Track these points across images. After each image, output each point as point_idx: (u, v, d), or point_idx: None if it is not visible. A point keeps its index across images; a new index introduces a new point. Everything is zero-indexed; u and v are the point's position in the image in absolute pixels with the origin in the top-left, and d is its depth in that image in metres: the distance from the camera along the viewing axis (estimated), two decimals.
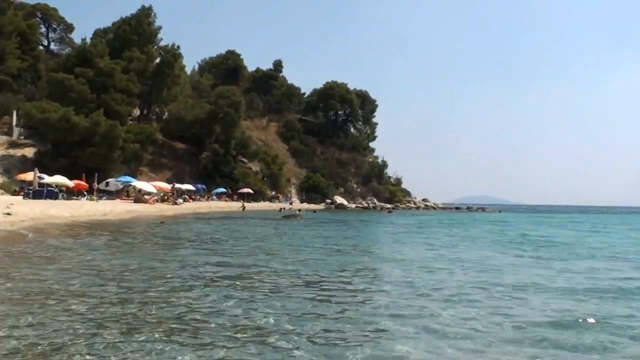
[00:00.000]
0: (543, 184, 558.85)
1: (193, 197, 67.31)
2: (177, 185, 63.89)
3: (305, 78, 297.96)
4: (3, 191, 47.56)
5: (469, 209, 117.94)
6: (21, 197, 41.63)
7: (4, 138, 59.24)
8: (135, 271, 13.53)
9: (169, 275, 13.12)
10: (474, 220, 60.34)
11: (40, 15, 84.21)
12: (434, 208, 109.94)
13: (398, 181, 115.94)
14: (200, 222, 38.96)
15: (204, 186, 71.99)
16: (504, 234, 35.62)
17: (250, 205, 67.85)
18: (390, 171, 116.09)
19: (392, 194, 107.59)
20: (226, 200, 72.41)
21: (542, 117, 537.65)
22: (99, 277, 12.41)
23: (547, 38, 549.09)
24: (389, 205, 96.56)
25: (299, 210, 56.77)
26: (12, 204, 30.00)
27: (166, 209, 50.46)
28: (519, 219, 67.47)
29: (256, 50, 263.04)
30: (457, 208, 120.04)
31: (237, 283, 12.32)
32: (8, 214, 26.45)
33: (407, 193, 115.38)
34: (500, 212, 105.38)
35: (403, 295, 11.34)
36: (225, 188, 73.97)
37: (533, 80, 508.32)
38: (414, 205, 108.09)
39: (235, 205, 67.60)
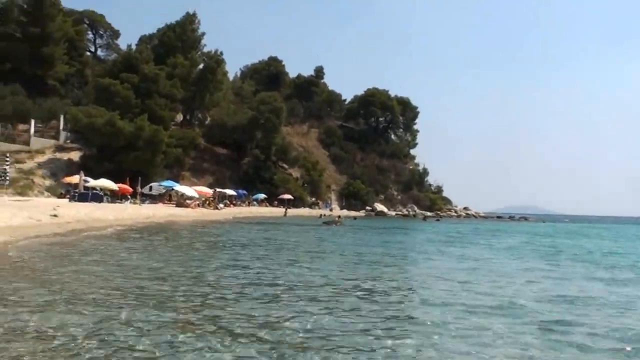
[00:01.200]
0: (586, 194, 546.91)
1: (234, 202, 67.80)
2: (219, 190, 64.42)
3: (346, 84, 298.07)
4: (49, 194, 48.65)
5: (511, 218, 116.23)
6: (67, 200, 42.50)
7: (52, 142, 60.57)
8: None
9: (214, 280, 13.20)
10: (519, 230, 59.12)
11: (87, 22, 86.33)
12: (475, 217, 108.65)
13: (439, 189, 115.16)
14: (241, 226, 39.24)
15: (244, 191, 72.42)
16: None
17: (291, 211, 67.98)
18: (431, 179, 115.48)
19: (433, 202, 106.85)
20: (266, 206, 72.71)
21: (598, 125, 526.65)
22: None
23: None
24: (429, 214, 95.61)
25: (339, 216, 56.58)
26: (58, 206, 30.61)
27: (207, 214, 50.92)
28: (569, 230, 65.68)
29: (298, 56, 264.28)
30: (498, 217, 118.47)
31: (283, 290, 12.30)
32: (54, 215, 26.98)
33: (447, 201, 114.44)
34: (544, 222, 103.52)
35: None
36: (265, 194, 74.26)
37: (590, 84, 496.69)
38: (455, 214, 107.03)
39: (275, 211, 67.84)
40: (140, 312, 9.04)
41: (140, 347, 7.17)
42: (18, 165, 51.30)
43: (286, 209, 68.17)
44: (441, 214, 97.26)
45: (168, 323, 8.44)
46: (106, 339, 7.48)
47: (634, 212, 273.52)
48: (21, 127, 59.16)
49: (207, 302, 10.40)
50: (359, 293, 12.26)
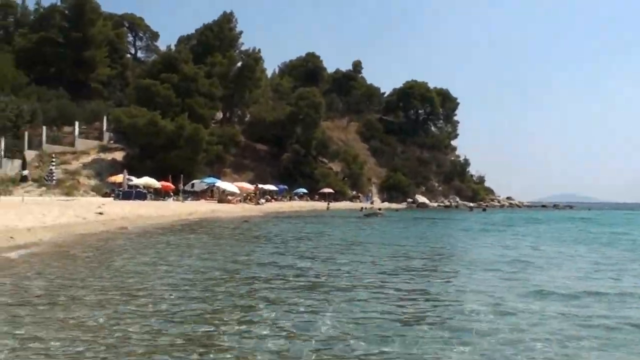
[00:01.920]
0: (631, 181, 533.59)
1: (275, 197, 68.20)
2: (260, 186, 64.87)
3: (385, 78, 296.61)
4: (95, 193, 49.69)
5: (555, 206, 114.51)
6: (111, 199, 43.36)
7: (95, 143, 61.77)
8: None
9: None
10: (573, 218, 58.12)
11: (127, 25, 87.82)
12: (518, 206, 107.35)
13: (481, 179, 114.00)
14: (288, 221, 39.47)
15: (285, 186, 72.69)
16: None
17: (332, 205, 68.10)
18: (473, 169, 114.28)
19: (475, 192, 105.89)
20: (307, 200, 72.90)
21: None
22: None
23: None
24: (471, 204, 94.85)
25: (379, 209, 56.60)
26: (103, 204, 31.31)
27: (249, 209, 51.31)
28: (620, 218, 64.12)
29: (336, 51, 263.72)
30: (543, 206, 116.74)
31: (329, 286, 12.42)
32: (100, 213, 27.57)
33: (490, 191, 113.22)
34: (589, 209, 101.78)
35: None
36: (306, 188, 74.42)
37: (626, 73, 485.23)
38: (498, 204, 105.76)
39: (317, 205, 68.15)
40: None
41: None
42: (64, 166, 52.51)
43: (328, 203, 68.34)
44: (484, 204, 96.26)
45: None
46: None
47: None
48: (66, 129, 60.48)
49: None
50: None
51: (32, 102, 56.17)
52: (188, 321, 7.85)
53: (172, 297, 9.50)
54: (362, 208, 61.79)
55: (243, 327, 7.64)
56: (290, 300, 9.48)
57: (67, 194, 45.03)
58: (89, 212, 27.36)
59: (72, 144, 58.70)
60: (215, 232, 26.79)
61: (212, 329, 7.47)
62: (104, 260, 14.54)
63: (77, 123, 59.44)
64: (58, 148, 55.47)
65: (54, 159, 47.68)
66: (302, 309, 8.74)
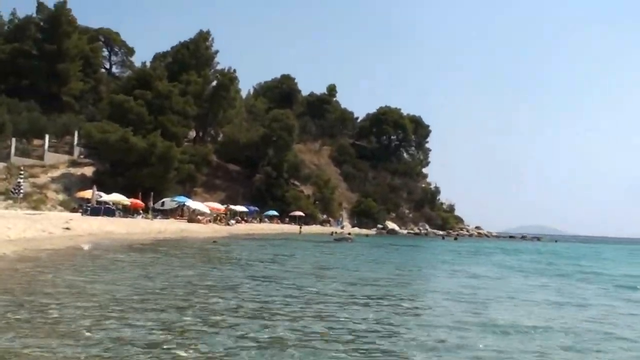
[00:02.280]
0: (600, 215, 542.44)
1: (245, 218, 67.90)
2: (231, 207, 64.58)
3: (358, 103, 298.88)
4: (62, 208, 48.98)
5: (523, 237, 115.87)
6: (79, 214, 42.76)
7: (66, 157, 61.01)
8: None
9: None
10: (535, 250, 58.98)
11: (103, 39, 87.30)
12: (487, 236, 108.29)
13: (451, 208, 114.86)
14: (253, 243, 39.26)
15: (256, 208, 72.46)
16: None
17: (304, 228, 68.04)
18: (443, 197, 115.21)
19: (445, 221, 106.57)
20: (278, 223, 72.70)
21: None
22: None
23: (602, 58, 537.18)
24: (440, 232, 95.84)
25: (349, 234, 56.85)
26: (70, 220, 30.86)
27: (219, 229, 51.03)
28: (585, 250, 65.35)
29: (311, 74, 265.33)
30: (511, 237, 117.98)
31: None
32: (67, 228, 27.20)
33: (459, 220, 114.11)
34: (556, 241, 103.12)
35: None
36: (277, 210, 74.25)
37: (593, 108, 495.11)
38: (467, 233, 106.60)
39: (287, 228, 68.01)
40: None
41: None
42: (32, 180, 51.74)
43: (300, 227, 68.29)
44: (455, 233, 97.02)
45: None
46: None
47: None
48: (36, 142, 59.76)
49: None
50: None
51: (2, 114, 55.43)
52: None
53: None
54: (332, 233, 62.05)
55: None
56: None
57: (34, 208, 44.36)
58: (55, 227, 26.98)
59: (42, 158, 57.95)
60: (181, 251, 26.51)
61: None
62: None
63: (47, 136, 58.79)
64: (27, 161, 54.72)
65: (22, 172, 46.86)
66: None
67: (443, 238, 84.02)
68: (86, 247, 22.66)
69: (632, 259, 47.01)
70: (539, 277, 22.94)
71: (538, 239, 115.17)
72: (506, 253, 45.96)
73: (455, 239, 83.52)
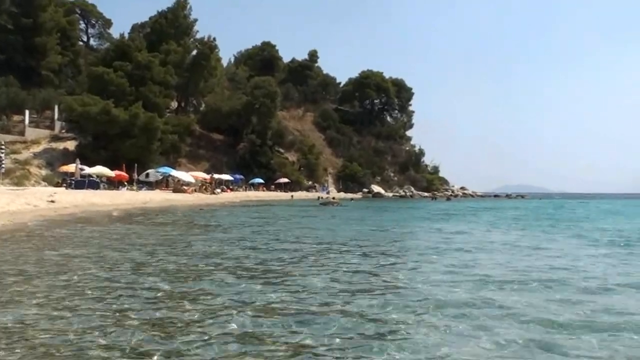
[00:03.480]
0: (585, 172, 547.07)
1: (231, 187, 67.99)
2: (216, 176, 64.62)
3: (340, 67, 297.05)
4: (46, 183, 48.78)
5: (508, 196, 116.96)
6: (64, 188, 42.62)
7: (47, 132, 60.55)
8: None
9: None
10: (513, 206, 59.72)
11: (79, 12, 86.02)
12: (472, 196, 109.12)
13: (435, 169, 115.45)
14: (242, 208, 39.50)
15: (241, 176, 72.57)
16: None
17: (295, 194, 69.07)
18: (428, 159, 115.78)
19: (430, 182, 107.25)
20: (264, 190, 72.89)
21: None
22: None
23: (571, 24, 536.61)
24: (426, 194, 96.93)
25: (333, 198, 57.67)
26: (55, 193, 30.82)
27: (205, 198, 51.14)
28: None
29: (291, 41, 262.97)
30: (495, 196, 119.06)
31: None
32: (52, 201, 27.20)
33: (444, 181, 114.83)
34: (540, 199, 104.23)
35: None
36: (262, 178, 74.38)
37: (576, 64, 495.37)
38: (452, 193, 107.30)
39: (273, 195, 68.35)
40: None
41: None
42: (14, 156, 51.29)
43: (292, 194, 69.63)
44: (438, 194, 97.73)
45: None
46: None
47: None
48: (16, 117, 59.20)
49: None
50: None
51: None
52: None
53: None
54: (319, 197, 62.76)
55: None
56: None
57: (18, 184, 44.08)
58: (40, 200, 26.98)
59: (22, 133, 57.44)
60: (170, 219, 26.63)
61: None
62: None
63: (27, 112, 58.25)
64: (7, 137, 54.04)
65: (2, 148, 46.42)
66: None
67: (435, 199, 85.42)
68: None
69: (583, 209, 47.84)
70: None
71: (522, 196, 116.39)
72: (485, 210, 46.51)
73: (449, 199, 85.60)
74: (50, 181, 49.56)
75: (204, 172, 65.92)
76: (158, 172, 57.63)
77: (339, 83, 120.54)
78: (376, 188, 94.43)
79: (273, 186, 75.41)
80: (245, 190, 70.53)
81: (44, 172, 52.24)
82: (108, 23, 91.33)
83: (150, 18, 78.76)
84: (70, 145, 59.19)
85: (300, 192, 77.36)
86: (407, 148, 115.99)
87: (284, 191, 71.94)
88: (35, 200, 26.30)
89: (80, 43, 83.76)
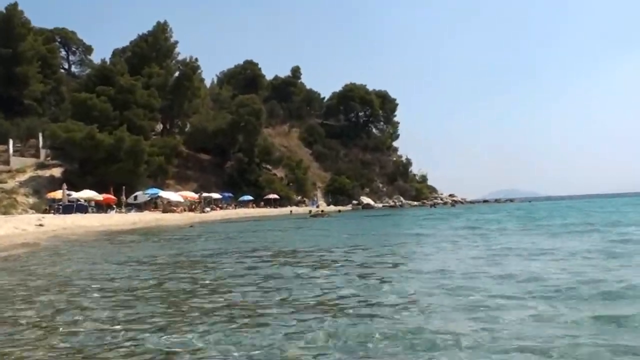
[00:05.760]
0: (572, 175, 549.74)
1: (220, 205, 67.76)
2: (205, 194, 64.45)
3: (324, 82, 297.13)
4: (34, 211, 48.35)
5: (497, 201, 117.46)
6: (51, 214, 42.23)
7: (32, 160, 60.16)
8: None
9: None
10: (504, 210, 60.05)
11: (59, 39, 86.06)
12: (461, 203, 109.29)
13: (423, 178, 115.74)
14: (230, 225, 39.41)
15: (230, 194, 72.33)
16: None
17: (287, 210, 69.53)
18: (415, 169, 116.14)
19: (419, 191, 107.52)
20: (253, 207, 72.68)
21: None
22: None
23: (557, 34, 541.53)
24: (415, 203, 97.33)
25: (322, 211, 58.46)
26: (43, 217, 30.64)
27: (194, 217, 50.94)
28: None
29: (274, 58, 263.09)
30: (485, 201, 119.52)
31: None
32: (40, 225, 27.01)
33: (433, 189, 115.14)
34: (530, 202, 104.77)
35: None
36: (251, 195, 74.14)
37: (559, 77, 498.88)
38: (441, 201, 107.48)
39: (262, 211, 68.25)
40: None
41: None
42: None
43: (291, 209, 70.70)
44: (427, 202, 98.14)
45: None
46: None
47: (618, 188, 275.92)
48: (0, 147, 58.86)
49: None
50: None
51: None
52: None
53: None
54: (309, 211, 63.00)
55: None
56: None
57: (5, 213, 43.63)
58: (28, 224, 26.79)
59: (7, 163, 57.03)
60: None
61: None
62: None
63: (10, 141, 57.92)
64: None
65: None
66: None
67: (435, 206, 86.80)
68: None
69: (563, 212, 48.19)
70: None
71: (511, 200, 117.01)
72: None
73: (453, 205, 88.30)
74: (37, 208, 49.04)
75: (192, 192, 65.69)
76: (146, 193, 57.34)
77: (323, 98, 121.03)
78: (365, 199, 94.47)
79: (262, 203, 75.20)
80: (235, 208, 70.27)
81: (31, 200, 51.76)
82: (89, 49, 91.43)
83: (130, 42, 78.80)
84: (57, 172, 58.81)
85: (289, 207, 77.20)
86: (394, 159, 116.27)
87: (274, 207, 71.85)
88: (23, 225, 26.10)
89: (62, 70, 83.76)
